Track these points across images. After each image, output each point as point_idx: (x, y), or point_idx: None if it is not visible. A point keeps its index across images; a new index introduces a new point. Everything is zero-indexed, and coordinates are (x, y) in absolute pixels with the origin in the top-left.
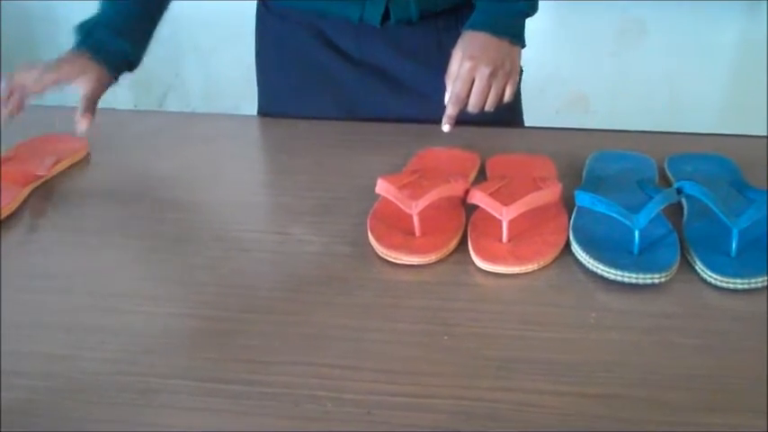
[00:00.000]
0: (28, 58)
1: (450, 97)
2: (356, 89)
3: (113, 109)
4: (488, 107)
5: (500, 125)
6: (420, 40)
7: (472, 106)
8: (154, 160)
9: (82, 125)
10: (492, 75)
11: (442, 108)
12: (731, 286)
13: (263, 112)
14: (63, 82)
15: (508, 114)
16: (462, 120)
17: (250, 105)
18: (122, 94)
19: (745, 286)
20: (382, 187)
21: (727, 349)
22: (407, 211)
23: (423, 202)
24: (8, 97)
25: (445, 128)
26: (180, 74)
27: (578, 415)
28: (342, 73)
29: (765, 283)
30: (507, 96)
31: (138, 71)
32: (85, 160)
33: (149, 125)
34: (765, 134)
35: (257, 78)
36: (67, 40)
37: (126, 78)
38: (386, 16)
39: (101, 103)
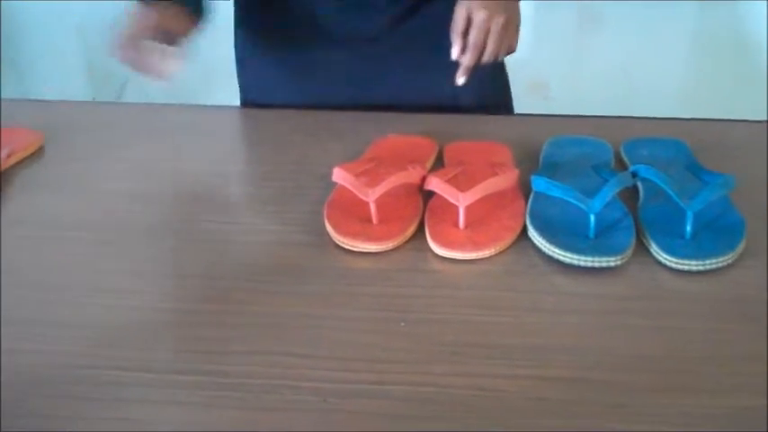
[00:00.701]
0: None
1: (468, 47)
2: (351, 71)
3: (71, 101)
4: (500, 57)
5: (494, 111)
6: (419, 15)
7: (489, 54)
8: (110, 152)
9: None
10: (505, 25)
11: (445, 80)
12: (686, 268)
13: (248, 102)
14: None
15: (502, 99)
16: (457, 107)
17: (207, 96)
18: (81, 86)
19: (700, 268)
20: (339, 175)
21: (682, 330)
22: (364, 198)
23: (379, 190)
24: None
25: (461, 80)
26: None
27: (534, 399)
28: (334, 56)
29: (720, 265)
30: (514, 47)
31: (96, 63)
32: (39, 153)
33: (107, 117)
34: (718, 118)
35: (237, 71)
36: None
37: (84, 70)
38: None
39: (58, 95)
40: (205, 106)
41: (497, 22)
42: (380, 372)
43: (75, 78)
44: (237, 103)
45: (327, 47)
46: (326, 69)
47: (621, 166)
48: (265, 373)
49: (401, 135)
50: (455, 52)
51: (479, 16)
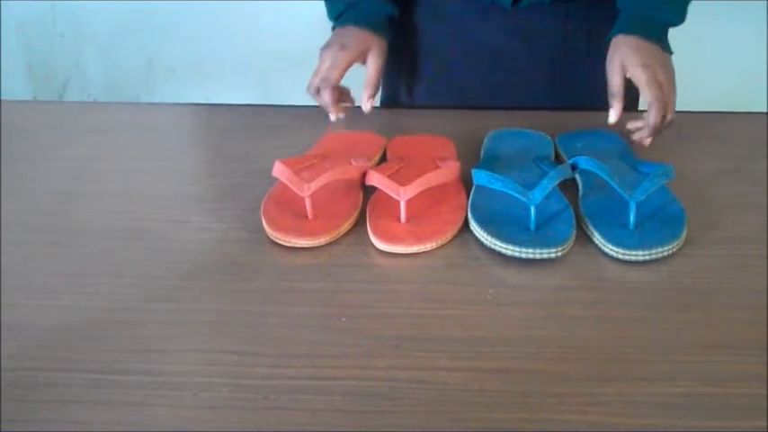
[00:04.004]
0: None
1: (650, 105)
2: (474, 74)
3: (11, 100)
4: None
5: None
6: (547, 25)
7: (673, 108)
8: (51, 152)
9: (369, 105)
10: (671, 77)
11: (564, 94)
12: (632, 258)
13: (386, 101)
14: (355, 62)
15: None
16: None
17: (150, 94)
18: (21, 85)
19: (647, 257)
20: (278, 170)
21: (621, 319)
22: (299, 193)
23: (314, 185)
24: (336, 102)
25: (648, 141)
26: (80, 64)
27: (475, 390)
28: (460, 57)
29: (664, 254)
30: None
31: (37, 62)
32: None
33: (48, 116)
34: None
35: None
36: None
37: (24, 69)
38: None
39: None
40: (147, 104)
41: (667, 76)
42: (322, 367)
43: (15, 77)
44: (181, 100)
45: (458, 47)
46: (452, 71)
47: (559, 159)
48: (204, 371)
49: (349, 131)
50: (613, 116)
51: (645, 73)
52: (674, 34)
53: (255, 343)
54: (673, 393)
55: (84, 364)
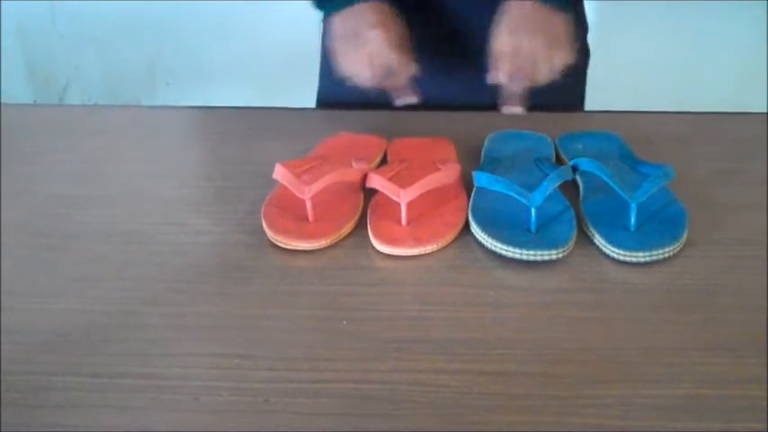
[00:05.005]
0: None
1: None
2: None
3: (11, 104)
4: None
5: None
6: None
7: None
8: (52, 155)
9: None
10: (545, 46)
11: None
12: (633, 260)
13: (323, 99)
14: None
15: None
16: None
17: (151, 96)
18: (21, 87)
19: (648, 259)
20: (279, 172)
21: (622, 321)
22: (300, 196)
23: (315, 187)
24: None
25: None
26: (80, 66)
27: (476, 393)
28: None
29: (664, 256)
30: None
31: (37, 64)
32: None
33: (48, 119)
34: (655, 111)
35: (320, 65)
36: None
37: (24, 72)
38: None
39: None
40: (147, 107)
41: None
42: (323, 370)
43: (15, 80)
44: (182, 102)
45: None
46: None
47: (560, 160)
48: (204, 375)
49: (350, 133)
50: (492, 78)
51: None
52: (674, 35)
53: (256, 346)
54: (673, 395)
55: (84, 368)
